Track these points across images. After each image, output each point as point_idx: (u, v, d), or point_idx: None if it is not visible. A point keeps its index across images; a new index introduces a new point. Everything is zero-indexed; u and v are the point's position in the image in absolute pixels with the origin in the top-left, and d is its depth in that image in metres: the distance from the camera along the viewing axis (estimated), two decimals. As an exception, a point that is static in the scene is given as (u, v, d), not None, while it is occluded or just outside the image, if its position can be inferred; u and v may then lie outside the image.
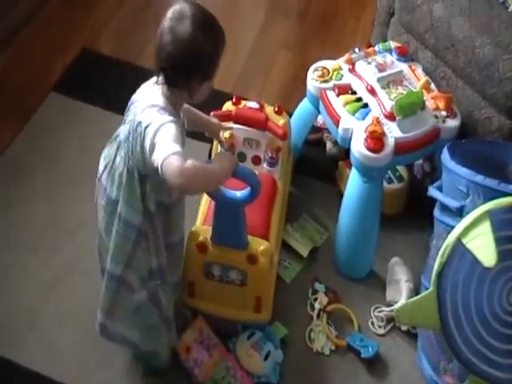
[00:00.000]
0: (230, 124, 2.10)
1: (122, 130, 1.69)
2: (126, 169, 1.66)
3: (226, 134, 2.09)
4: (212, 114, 2.04)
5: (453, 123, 2.10)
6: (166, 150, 1.51)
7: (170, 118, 1.58)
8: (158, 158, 1.51)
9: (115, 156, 1.70)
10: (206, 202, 2.06)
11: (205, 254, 1.91)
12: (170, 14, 1.58)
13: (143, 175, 1.66)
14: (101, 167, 1.76)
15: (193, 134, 1.70)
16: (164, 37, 1.56)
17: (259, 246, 1.90)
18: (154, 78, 1.64)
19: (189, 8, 1.57)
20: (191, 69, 1.58)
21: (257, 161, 2.15)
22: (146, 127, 1.56)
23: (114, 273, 1.78)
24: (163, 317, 1.86)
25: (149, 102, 1.62)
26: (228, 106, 2.16)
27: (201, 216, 2.04)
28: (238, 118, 2.08)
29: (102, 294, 1.83)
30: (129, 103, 1.71)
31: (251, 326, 2.03)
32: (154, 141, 1.54)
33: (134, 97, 1.69)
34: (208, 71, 1.62)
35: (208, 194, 1.80)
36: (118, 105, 2.56)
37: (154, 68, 1.62)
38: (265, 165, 2.15)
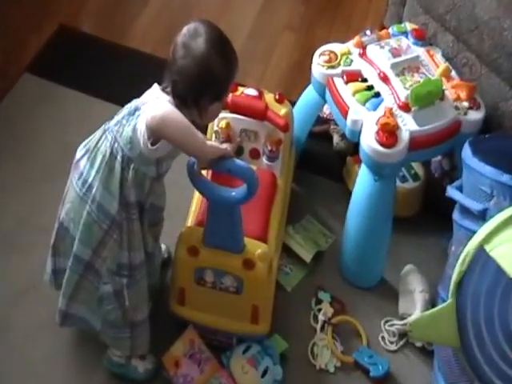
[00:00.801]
0: (226, 113, 2.09)
1: (113, 119, 1.77)
2: (110, 151, 1.73)
3: (222, 124, 2.08)
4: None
5: (476, 115, 2.09)
6: (156, 108, 1.65)
7: (173, 104, 1.68)
8: (146, 116, 1.65)
9: (98, 140, 1.77)
10: (197, 200, 2.05)
11: (196, 258, 1.90)
12: (185, 30, 1.71)
13: (127, 159, 1.72)
14: (78, 154, 1.82)
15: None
16: (177, 51, 1.70)
17: (256, 249, 1.90)
18: (156, 86, 1.75)
19: (204, 27, 1.70)
20: (201, 86, 1.70)
21: (255, 154, 2.14)
22: (143, 104, 1.69)
23: (81, 257, 1.82)
24: (127, 319, 1.89)
25: (152, 93, 1.74)
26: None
27: (192, 215, 2.03)
28: (235, 107, 2.07)
29: (65, 279, 1.87)
30: (129, 108, 1.76)
31: (247, 339, 2.03)
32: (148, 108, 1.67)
33: (137, 102, 1.75)
34: (218, 92, 1.74)
35: (195, 187, 1.80)
36: (99, 88, 2.61)
37: (164, 77, 1.74)
38: (264, 159, 2.14)
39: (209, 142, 1.72)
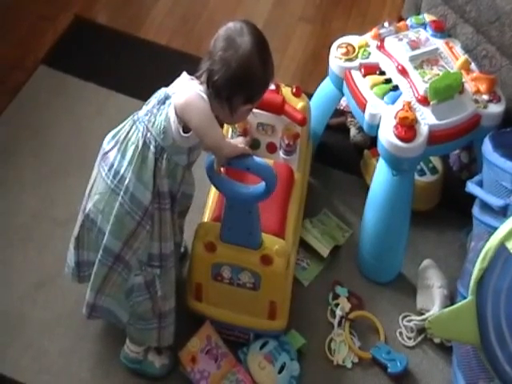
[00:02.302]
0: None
1: (142, 109, 1.76)
2: (143, 141, 1.72)
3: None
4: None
5: (496, 109, 2.05)
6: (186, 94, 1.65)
7: (205, 96, 1.67)
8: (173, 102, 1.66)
9: (129, 131, 1.75)
10: (213, 195, 2.03)
11: (213, 254, 1.88)
12: (230, 24, 1.70)
13: (161, 149, 1.71)
14: (107, 146, 1.79)
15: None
16: (219, 42, 1.67)
17: (274, 244, 1.87)
18: (185, 74, 1.73)
19: (250, 28, 1.69)
20: (237, 84, 1.67)
21: (272, 148, 2.11)
22: (174, 93, 1.68)
23: (111, 249, 1.80)
24: (156, 309, 1.87)
25: (183, 81, 1.73)
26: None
27: (208, 211, 2.01)
28: (251, 101, 2.04)
29: (94, 271, 1.84)
30: (158, 97, 1.74)
31: (264, 335, 2.01)
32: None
33: (167, 90, 1.73)
34: (252, 94, 1.72)
35: (213, 184, 1.78)
36: (116, 81, 2.58)
37: (199, 65, 1.71)
38: (281, 153, 2.11)
39: (228, 140, 1.71)
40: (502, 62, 2.16)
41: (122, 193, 1.74)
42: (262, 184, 1.70)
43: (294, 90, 2.11)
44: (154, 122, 1.70)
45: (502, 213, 1.80)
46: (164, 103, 1.70)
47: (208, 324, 1.99)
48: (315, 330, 2.10)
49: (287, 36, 2.80)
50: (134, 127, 1.74)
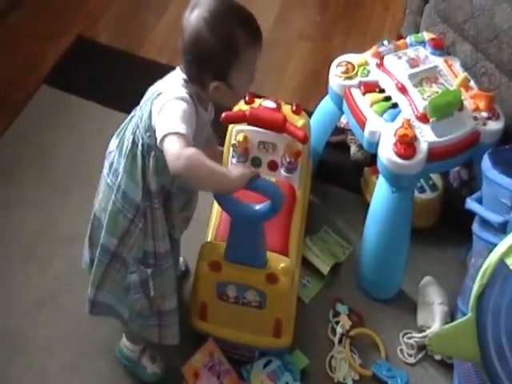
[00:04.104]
0: (243, 126, 2.06)
1: (138, 106, 1.73)
2: (132, 138, 1.70)
3: (240, 137, 2.06)
4: (224, 114, 2.00)
5: (495, 126, 2.06)
6: (170, 126, 1.55)
7: (188, 96, 1.61)
8: (159, 133, 1.56)
9: (127, 126, 1.75)
10: (217, 214, 2.03)
11: (218, 273, 1.87)
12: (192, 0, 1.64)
13: (147, 147, 1.68)
14: (112, 145, 1.79)
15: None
16: (182, 22, 1.63)
17: (279, 263, 1.87)
18: (178, 71, 1.69)
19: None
20: (197, 61, 1.61)
21: (273, 166, 2.11)
22: (159, 94, 1.62)
23: (107, 246, 1.80)
24: (154, 307, 1.86)
25: (172, 75, 1.70)
26: (240, 105, 2.12)
27: (212, 229, 2.00)
28: (253, 119, 2.04)
29: (93, 268, 1.85)
30: (151, 91, 1.71)
31: (269, 352, 2.01)
32: (161, 111, 1.59)
33: (160, 86, 1.70)
34: (218, 71, 1.62)
35: (218, 203, 1.76)
36: (117, 100, 2.59)
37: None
38: (282, 171, 2.11)
39: (233, 169, 1.64)
40: (500, 80, 2.16)
41: (115, 190, 1.74)
42: (268, 203, 1.69)
43: (294, 107, 2.12)
44: (141, 118, 1.67)
45: (501, 229, 1.80)
46: (150, 98, 1.66)
47: (211, 340, 1.99)
48: (316, 347, 2.09)
49: (287, 54, 2.81)
50: (130, 123, 1.74)
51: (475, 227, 1.92)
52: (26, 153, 2.47)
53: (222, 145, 2.12)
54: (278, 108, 2.08)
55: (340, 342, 2.10)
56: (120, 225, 1.76)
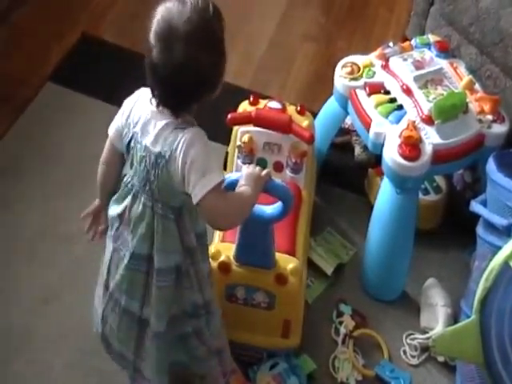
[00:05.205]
0: (249, 127, 2.06)
1: (135, 174, 1.58)
2: (157, 215, 1.58)
3: (245, 138, 2.05)
4: (229, 116, 2.00)
5: (500, 129, 2.06)
6: (204, 183, 1.48)
7: (191, 130, 1.50)
8: (194, 194, 1.49)
9: (132, 206, 1.61)
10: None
11: (228, 275, 1.87)
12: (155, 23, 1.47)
13: (178, 210, 1.59)
14: (114, 219, 1.66)
15: (206, 133, 1.67)
16: (154, 54, 1.46)
17: (288, 263, 1.87)
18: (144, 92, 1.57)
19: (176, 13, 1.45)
20: (192, 86, 1.49)
21: (279, 167, 2.11)
22: (170, 155, 1.50)
23: (160, 329, 1.69)
24: (211, 350, 1.80)
25: (157, 125, 1.52)
26: (245, 106, 2.12)
27: (219, 232, 1.98)
28: (259, 121, 2.03)
29: (154, 358, 1.74)
30: (124, 136, 1.59)
31: (277, 352, 2.00)
32: (186, 169, 1.49)
33: (130, 125, 1.58)
34: (216, 81, 1.52)
35: None
36: (122, 98, 2.56)
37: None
38: (288, 171, 2.11)
39: (247, 174, 1.61)
40: (506, 83, 2.17)
41: (154, 278, 1.62)
42: (279, 205, 1.68)
43: (299, 108, 2.11)
44: (158, 191, 1.55)
45: (505, 232, 1.79)
46: (158, 165, 1.52)
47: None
48: (319, 347, 2.09)
49: (292, 55, 2.81)
50: (137, 201, 1.59)
51: (479, 230, 1.91)
52: (30, 150, 2.46)
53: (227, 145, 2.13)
54: (284, 109, 2.08)
55: (343, 342, 2.09)
56: (168, 297, 1.66)
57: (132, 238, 1.62)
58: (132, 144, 1.58)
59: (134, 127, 1.57)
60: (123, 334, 1.75)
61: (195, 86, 1.49)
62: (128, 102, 1.63)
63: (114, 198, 1.66)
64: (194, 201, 1.50)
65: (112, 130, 1.67)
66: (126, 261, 1.65)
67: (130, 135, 1.57)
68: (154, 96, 1.52)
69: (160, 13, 1.48)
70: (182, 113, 1.52)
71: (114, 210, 1.65)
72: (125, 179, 1.63)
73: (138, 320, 1.71)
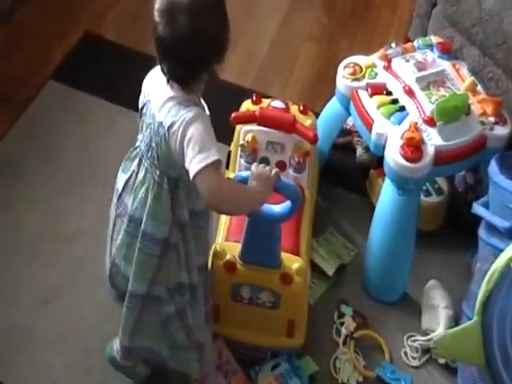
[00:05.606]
0: (252, 126, 2.05)
1: (142, 139, 1.65)
2: (154, 181, 1.63)
3: (248, 138, 2.05)
4: (233, 115, 2.00)
5: (502, 131, 2.05)
6: (200, 159, 1.50)
7: (195, 110, 1.54)
8: (190, 169, 1.51)
9: (138, 170, 1.67)
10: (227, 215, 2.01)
11: (233, 274, 1.86)
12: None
13: (174, 181, 1.63)
14: (119, 183, 1.72)
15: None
16: (159, 29, 1.50)
17: (293, 263, 1.87)
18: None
19: None
20: (198, 55, 1.51)
21: (281, 166, 2.09)
22: (170, 127, 1.53)
23: (137, 293, 1.74)
24: (193, 339, 1.82)
25: (164, 95, 1.57)
26: (248, 105, 2.11)
27: (223, 230, 1.99)
28: (263, 120, 2.03)
29: (123, 317, 1.79)
30: (140, 103, 1.66)
31: (280, 352, 2.00)
32: (184, 143, 1.52)
33: (145, 94, 1.64)
34: (221, 53, 1.54)
35: None
36: (124, 97, 2.57)
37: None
38: (290, 171, 2.10)
39: (256, 173, 1.62)
40: (508, 85, 2.16)
41: (139, 238, 1.67)
42: (287, 204, 1.68)
43: (301, 107, 2.11)
44: (158, 158, 1.60)
45: (507, 235, 1.79)
46: (158, 133, 1.56)
47: (220, 340, 1.98)
48: (320, 348, 2.08)
49: (294, 55, 2.80)
50: (141, 166, 1.65)
51: (481, 232, 1.91)
52: (32, 149, 2.45)
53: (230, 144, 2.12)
54: (287, 108, 2.08)
55: (344, 343, 2.09)
56: (150, 266, 1.70)
57: (132, 202, 1.67)
58: (144, 110, 1.64)
59: (148, 94, 1.63)
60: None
61: (203, 53, 1.51)
62: (149, 74, 1.68)
63: (122, 167, 1.72)
64: (190, 175, 1.52)
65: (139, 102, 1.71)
66: (124, 225, 1.71)
67: (144, 102, 1.64)
68: (163, 71, 1.55)
69: None
70: (191, 86, 1.55)
71: (122, 178, 1.72)
72: (136, 144, 1.69)
73: None
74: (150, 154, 1.61)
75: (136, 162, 1.67)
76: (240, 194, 1.59)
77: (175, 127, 1.52)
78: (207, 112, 1.62)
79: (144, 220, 1.66)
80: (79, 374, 2.02)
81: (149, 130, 1.60)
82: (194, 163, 1.50)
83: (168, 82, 1.56)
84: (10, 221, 2.29)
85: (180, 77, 1.54)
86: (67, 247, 2.22)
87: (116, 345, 1.92)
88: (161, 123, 1.55)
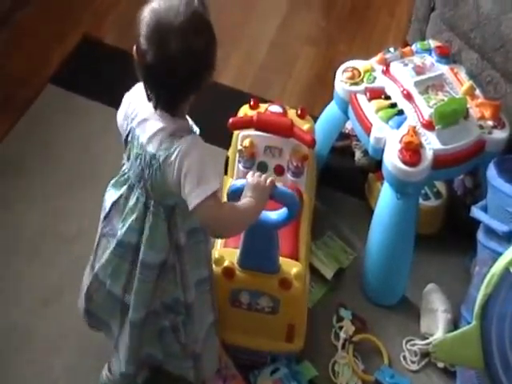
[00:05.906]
0: (250, 131, 2.05)
1: (131, 168, 1.60)
2: (148, 210, 1.60)
3: (246, 143, 2.04)
4: (231, 120, 2.00)
5: (500, 135, 2.05)
6: (199, 192, 1.48)
7: (188, 138, 1.50)
8: (189, 202, 1.50)
9: (128, 196, 1.63)
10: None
11: (232, 280, 1.86)
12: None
13: (170, 208, 1.60)
14: (107, 203, 1.69)
15: (207, 138, 1.66)
16: (148, 57, 1.46)
17: (291, 268, 1.86)
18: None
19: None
20: (190, 76, 1.47)
21: (279, 171, 2.10)
22: (164, 160, 1.50)
23: (138, 319, 1.73)
24: (187, 351, 1.81)
25: (153, 126, 1.52)
26: (245, 110, 2.11)
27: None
28: (261, 125, 2.03)
29: (126, 345, 1.78)
30: (122, 128, 1.61)
31: (280, 356, 2.00)
32: (181, 176, 1.49)
33: (128, 119, 1.58)
34: (213, 61, 1.50)
35: None
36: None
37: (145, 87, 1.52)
38: (289, 175, 2.10)
39: (250, 184, 1.60)
40: (506, 89, 2.16)
41: (138, 268, 1.65)
42: (284, 210, 1.68)
43: (299, 111, 2.10)
44: (151, 188, 1.56)
45: (506, 238, 1.79)
46: (152, 166, 1.52)
47: (219, 344, 1.96)
48: (319, 352, 2.08)
49: (292, 59, 2.80)
50: (132, 194, 1.62)
51: (480, 236, 1.90)
52: (31, 151, 2.45)
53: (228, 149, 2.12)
54: (285, 113, 2.08)
55: (343, 347, 2.08)
56: (149, 290, 1.69)
57: (121, 227, 1.64)
58: (129, 138, 1.58)
59: (131, 121, 1.57)
60: (108, 311, 1.80)
61: (197, 73, 1.47)
62: (128, 96, 1.63)
63: (113, 182, 1.68)
64: (189, 207, 1.50)
65: (118, 123, 1.66)
66: (111, 247, 1.68)
67: (128, 129, 1.58)
68: (149, 100, 1.51)
69: (146, 16, 1.49)
70: (179, 107, 1.51)
71: (111, 195, 1.68)
72: (123, 168, 1.64)
73: (121, 302, 1.75)
74: (141, 185, 1.58)
75: (125, 187, 1.63)
76: (237, 218, 1.58)
77: (170, 160, 1.49)
78: (197, 131, 1.58)
79: (142, 250, 1.63)
80: (79, 375, 2.01)
81: (139, 161, 1.55)
82: (193, 196, 1.49)
83: (155, 109, 1.51)
84: (9, 221, 2.29)
85: (170, 102, 1.50)
86: (67, 247, 2.22)
87: (105, 371, 1.94)
88: (153, 155, 1.51)
